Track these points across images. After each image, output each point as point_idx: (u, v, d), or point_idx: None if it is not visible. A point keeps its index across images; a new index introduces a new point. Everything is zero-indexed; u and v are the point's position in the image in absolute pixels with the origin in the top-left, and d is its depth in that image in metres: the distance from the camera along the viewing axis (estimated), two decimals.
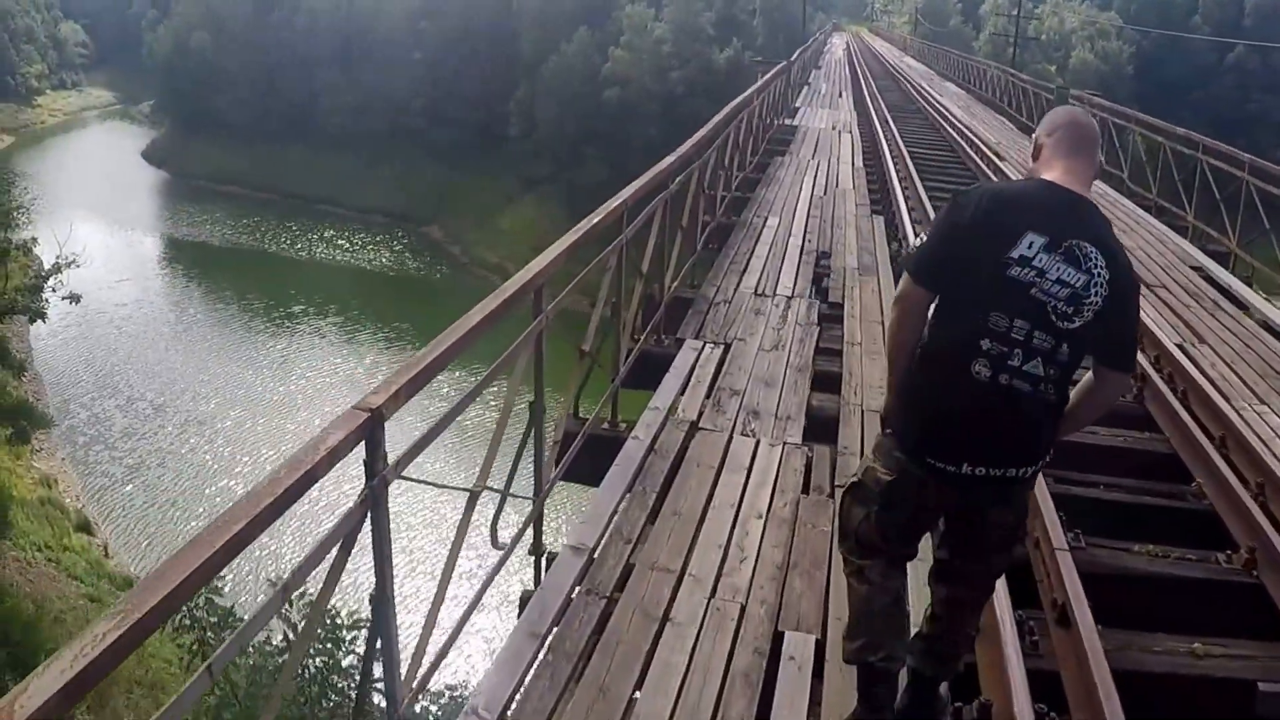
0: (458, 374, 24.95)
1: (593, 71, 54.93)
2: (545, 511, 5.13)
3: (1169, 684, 4.51)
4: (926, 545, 4.79)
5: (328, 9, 67.20)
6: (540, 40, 57.58)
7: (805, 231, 12.22)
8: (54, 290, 27.28)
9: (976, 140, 20.89)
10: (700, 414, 6.64)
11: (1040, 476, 4.39)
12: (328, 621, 10.11)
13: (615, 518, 5.20)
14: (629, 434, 6.19)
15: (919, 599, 4.48)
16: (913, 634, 3.95)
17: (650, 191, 7.44)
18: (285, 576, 2.65)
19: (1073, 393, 3.40)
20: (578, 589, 4.56)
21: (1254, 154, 13.65)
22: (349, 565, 3.00)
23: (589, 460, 5.85)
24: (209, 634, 10.74)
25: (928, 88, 35.29)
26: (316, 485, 2.63)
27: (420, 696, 3.98)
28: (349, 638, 10.86)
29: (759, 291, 9.64)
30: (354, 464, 2.96)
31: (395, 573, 3.16)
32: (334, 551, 2.78)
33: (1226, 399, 7.28)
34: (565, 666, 4.00)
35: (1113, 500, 6.04)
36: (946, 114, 26.22)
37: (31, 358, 35.49)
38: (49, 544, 22.99)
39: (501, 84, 59.03)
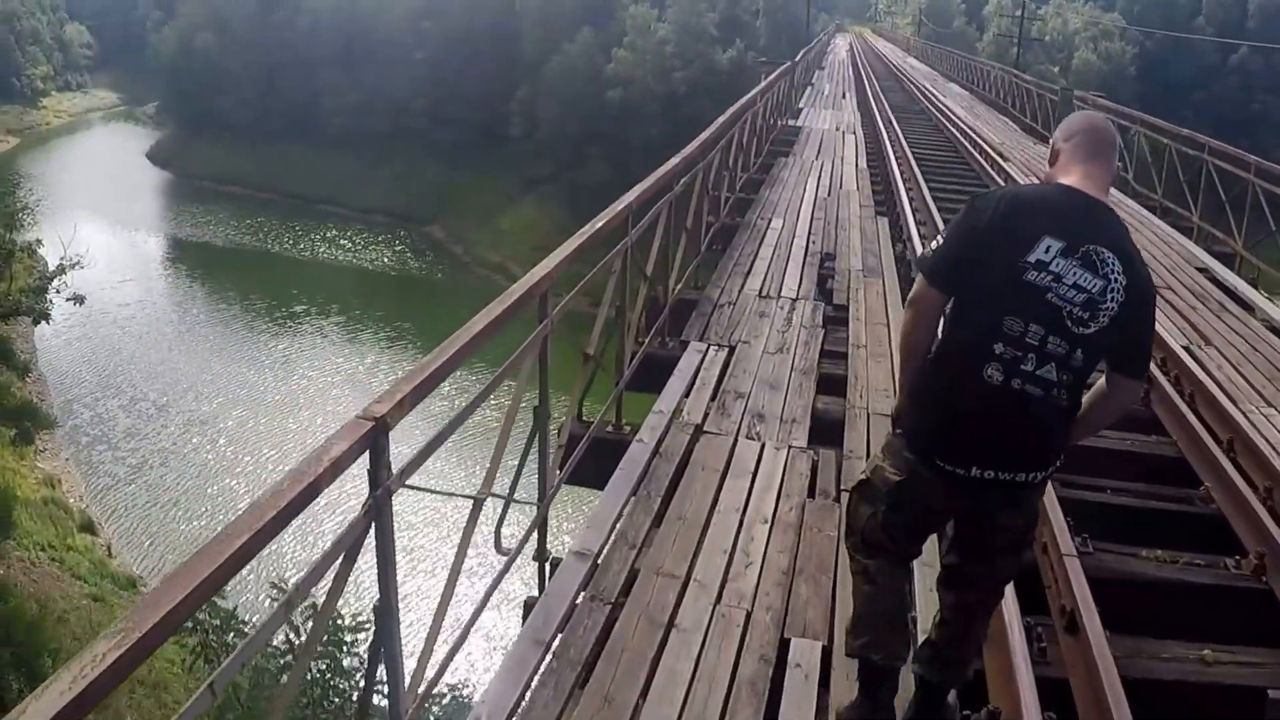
0: (460, 374, 24.88)
1: (595, 72, 54.91)
2: (549, 515, 5.10)
3: (1178, 691, 4.47)
4: (936, 551, 4.80)
5: (330, 9, 67.23)
6: (543, 40, 57.57)
7: (809, 233, 12.18)
8: (58, 291, 27.29)
9: (980, 141, 20.84)
10: (705, 417, 6.60)
11: None
12: (330, 624, 10.08)
13: (620, 522, 5.16)
14: (633, 437, 6.16)
15: (927, 605, 4.46)
16: (921, 641, 3.94)
17: (655, 194, 7.42)
18: (288, 591, 2.61)
19: (1085, 398, 3.38)
20: (582, 595, 4.52)
21: (1257, 155, 13.61)
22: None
23: (593, 463, 5.82)
24: (211, 637, 10.73)
25: (931, 88, 35.25)
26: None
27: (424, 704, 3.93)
28: (351, 639, 10.85)
29: (763, 293, 9.60)
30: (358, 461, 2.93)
31: (396, 571, 3.13)
32: (337, 563, 2.74)
33: (1233, 401, 7.23)
34: (570, 675, 3.96)
35: (1120, 504, 6.00)
36: (950, 115, 26.17)
37: (36, 358, 35.54)
38: (52, 544, 23.02)
39: (504, 84, 58.97)
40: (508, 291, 4.36)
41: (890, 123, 23.11)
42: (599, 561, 4.80)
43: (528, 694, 3.89)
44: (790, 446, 6.24)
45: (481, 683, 16.72)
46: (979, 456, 3.24)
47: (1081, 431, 3.44)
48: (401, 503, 3.38)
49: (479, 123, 60.17)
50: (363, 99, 63.65)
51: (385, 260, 54.13)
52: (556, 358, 4.87)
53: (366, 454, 2.80)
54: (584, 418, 6.20)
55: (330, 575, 2.79)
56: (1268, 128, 53.13)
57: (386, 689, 3.35)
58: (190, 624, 10.84)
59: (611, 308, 6.30)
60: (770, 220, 12.74)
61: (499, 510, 4.60)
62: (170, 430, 31.79)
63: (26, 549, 22.04)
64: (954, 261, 3.30)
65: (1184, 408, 7.04)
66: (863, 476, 3.63)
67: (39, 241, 30.77)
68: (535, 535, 4.91)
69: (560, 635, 4.24)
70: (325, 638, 9.77)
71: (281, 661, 10.19)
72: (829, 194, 14.90)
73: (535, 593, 4.83)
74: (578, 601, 4.48)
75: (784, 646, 4.28)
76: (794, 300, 9.46)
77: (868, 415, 6.79)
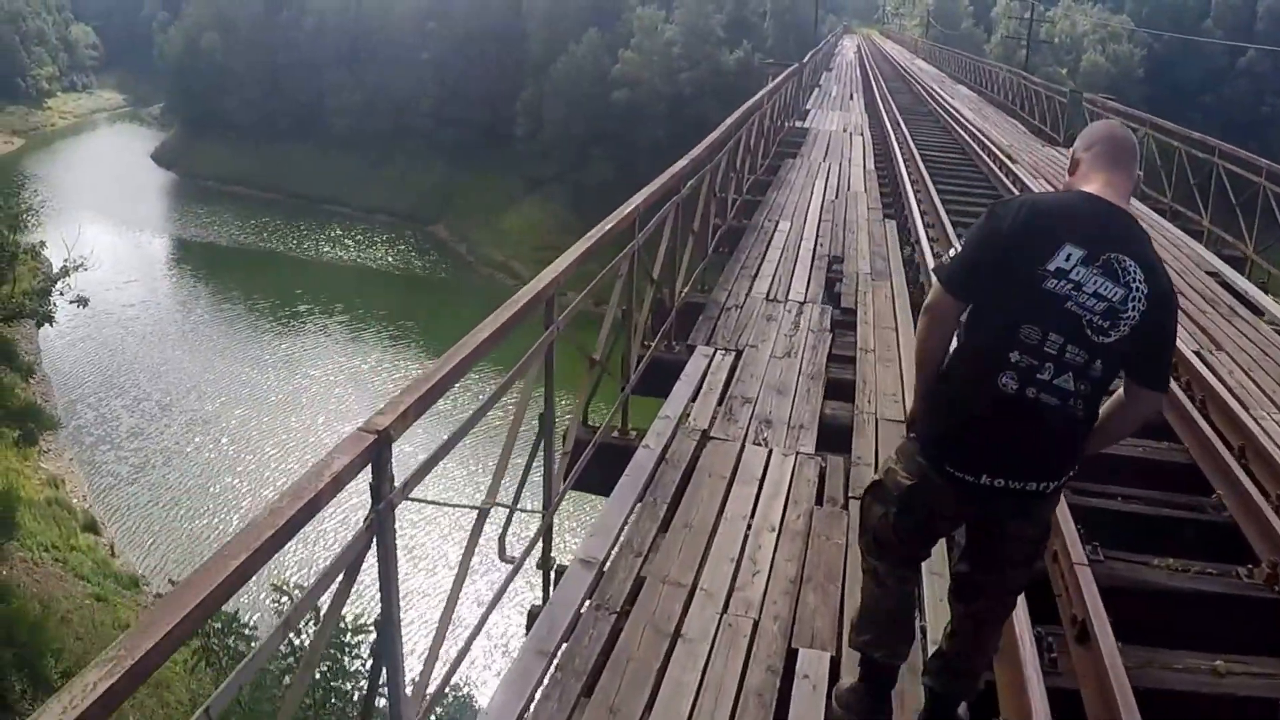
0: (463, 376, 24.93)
1: (602, 73, 54.90)
2: (553, 521, 5.04)
3: (1190, 702, 4.43)
4: (946, 561, 4.74)
5: (335, 9, 67.31)
6: (549, 41, 57.60)
7: (817, 236, 12.12)
8: (61, 294, 27.27)
9: (988, 143, 20.77)
10: (712, 422, 6.55)
11: None
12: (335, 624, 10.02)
13: (625, 529, 5.11)
14: (639, 443, 6.10)
15: (937, 616, 4.41)
16: (931, 652, 3.93)
17: (662, 196, 7.36)
18: (286, 612, 2.55)
19: (1103, 409, 3.32)
20: (587, 604, 4.47)
21: (1266, 158, 13.55)
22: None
23: (599, 470, 5.75)
24: (213, 640, 10.69)
25: (939, 90, 35.17)
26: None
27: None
28: (355, 641, 10.80)
29: (771, 297, 9.54)
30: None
31: (398, 584, 3.07)
32: (337, 581, 2.68)
33: (1245, 407, 7.17)
34: (574, 685, 3.91)
35: (1131, 512, 5.94)
36: (958, 116, 26.10)
37: (40, 359, 35.58)
38: (56, 544, 23.03)
39: (509, 84, 59.02)
40: (514, 298, 4.29)
41: (898, 124, 23.05)
42: (604, 569, 4.74)
43: (532, 705, 3.84)
44: (798, 453, 6.18)
45: (481, 680, 16.74)
46: (990, 464, 3.22)
47: (1099, 442, 3.40)
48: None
49: (483, 123, 60.20)
50: (367, 99, 63.73)
51: (389, 260, 54.16)
52: (561, 359, 4.81)
53: (368, 468, 2.74)
54: (589, 423, 6.14)
55: (332, 586, 2.74)
56: (1277, 130, 53.06)
57: (389, 706, 3.29)
58: None
59: (618, 311, 6.24)
60: (777, 223, 12.68)
61: (503, 517, 4.55)
62: (173, 430, 31.83)
63: (30, 549, 22.05)
64: (971, 268, 3.27)
65: (1195, 414, 6.97)
66: (876, 478, 3.65)
67: (43, 243, 30.79)
68: (540, 543, 4.84)
69: (565, 645, 4.19)
70: (327, 645, 9.69)
71: (284, 664, 10.14)
72: (836, 196, 14.83)
73: (540, 598, 4.78)
74: (582, 610, 4.43)
75: (791, 657, 4.23)
76: (801, 304, 9.40)
77: (876, 421, 6.74)
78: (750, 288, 9.81)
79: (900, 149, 18.80)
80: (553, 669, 4.03)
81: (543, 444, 4.74)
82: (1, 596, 19.11)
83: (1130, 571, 5.22)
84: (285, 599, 10.14)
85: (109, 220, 53.52)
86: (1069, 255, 3.08)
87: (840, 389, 7.37)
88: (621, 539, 5.01)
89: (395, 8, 65.95)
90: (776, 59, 38.04)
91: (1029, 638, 4.20)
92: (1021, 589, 3.73)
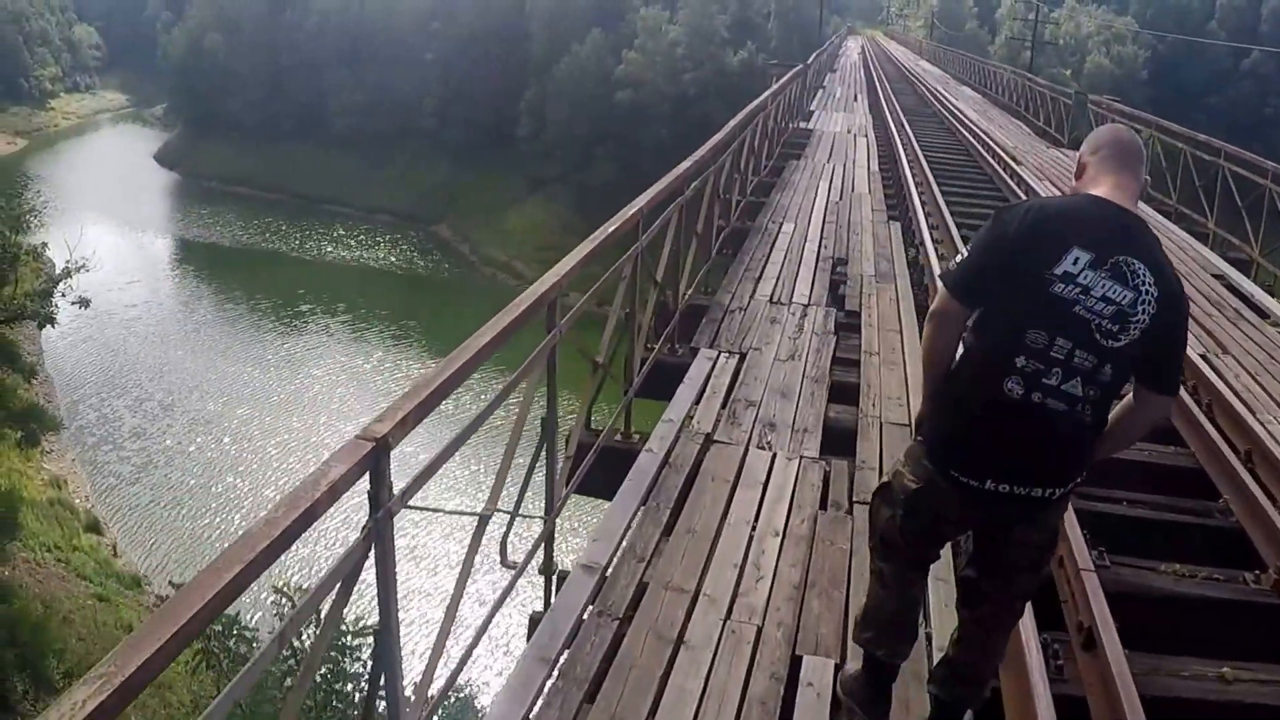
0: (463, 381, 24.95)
1: (605, 73, 54.89)
2: (556, 524, 5.00)
3: (1198, 710, 4.40)
4: (951, 567, 4.70)
5: (339, 10, 67.37)
6: (552, 42, 57.59)
7: (821, 237, 12.08)
8: (63, 295, 27.25)
9: (993, 144, 20.72)
10: (715, 425, 6.50)
11: None
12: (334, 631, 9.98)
13: (628, 534, 5.07)
14: (642, 446, 6.06)
15: (943, 622, 4.37)
16: (938, 660, 3.91)
17: (666, 197, 7.32)
18: (281, 626, 2.50)
19: (1112, 413, 3.29)
20: (589, 609, 4.43)
21: (1270, 159, 13.52)
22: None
23: (602, 473, 5.71)
24: (214, 643, 10.66)
25: (943, 91, 35.14)
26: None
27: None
28: (356, 644, 10.75)
29: (775, 299, 9.50)
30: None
31: (397, 593, 3.03)
32: (333, 593, 2.63)
33: (1251, 411, 7.13)
34: (576, 693, 3.87)
35: (1137, 517, 5.90)
36: (962, 118, 26.08)
37: (42, 360, 35.58)
38: (58, 544, 23.04)
39: (512, 85, 59.01)
40: (515, 301, 4.24)
41: (902, 125, 22.99)
42: (607, 575, 4.70)
43: (533, 713, 3.80)
44: (802, 456, 6.14)
45: (483, 681, 16.69)
46: (994, 469, 3.20)
47: (1108, 448, 3.37)
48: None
49: (486, 123, 60.22)
50: (370, 99, 63.77)
51: (391, 260, 54.17)
52: (563, 360, 4.78)
53: (366, 476, 2.70)
54: (592, 426, 6.10)
55: (333, 592, 2.70)
56: None
57: (387, 706, 3.25)
58: None
59: (621, 313, 6.20)
60: (781, 224, 12.63)
61: (504, 522, 4.51)
62: (176, 430, 31.87)
63: (32, 550, 22.06)
64: (977, 273, 3.24)
65: (1201, 417, 6.93)
66: (885, 480, 3.65)
67: (45, 245, 30.78)
68: (542, 548, 4.80)
69: (567, 651, 4.15)
70: (327, 648, 9.64)
71: (285, 667, 10.10)
72: (841, 198, 14.79)
73: (541, 599, 4.74)
74: (584, 617, 4.38)
75: (795, 664, 4.19)
76: (805, 306, 9.36)
77: (880, 424, 6.70)
78: (754, 290, 9.76)
79: (904, 150, 18.76)
80: (554, 676, 3.99)
81: (545, 448, 4.70)
82: (4, 597, 19.11)
83: (1137, 577, 5.18)
84: (286, 601, 10.12)
85: (112, 221, 53.59)
86: (1076, 259, 3.05)
87: (844, 392, 7.33)
88: (624, 544, 4.97)
89: (398, 8, 66.00)
90: (781, 60, 38.05)
91: (1035, 644, 4.16)
92: (1029, 596, 3.69)
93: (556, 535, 4.97)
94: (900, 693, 3.91)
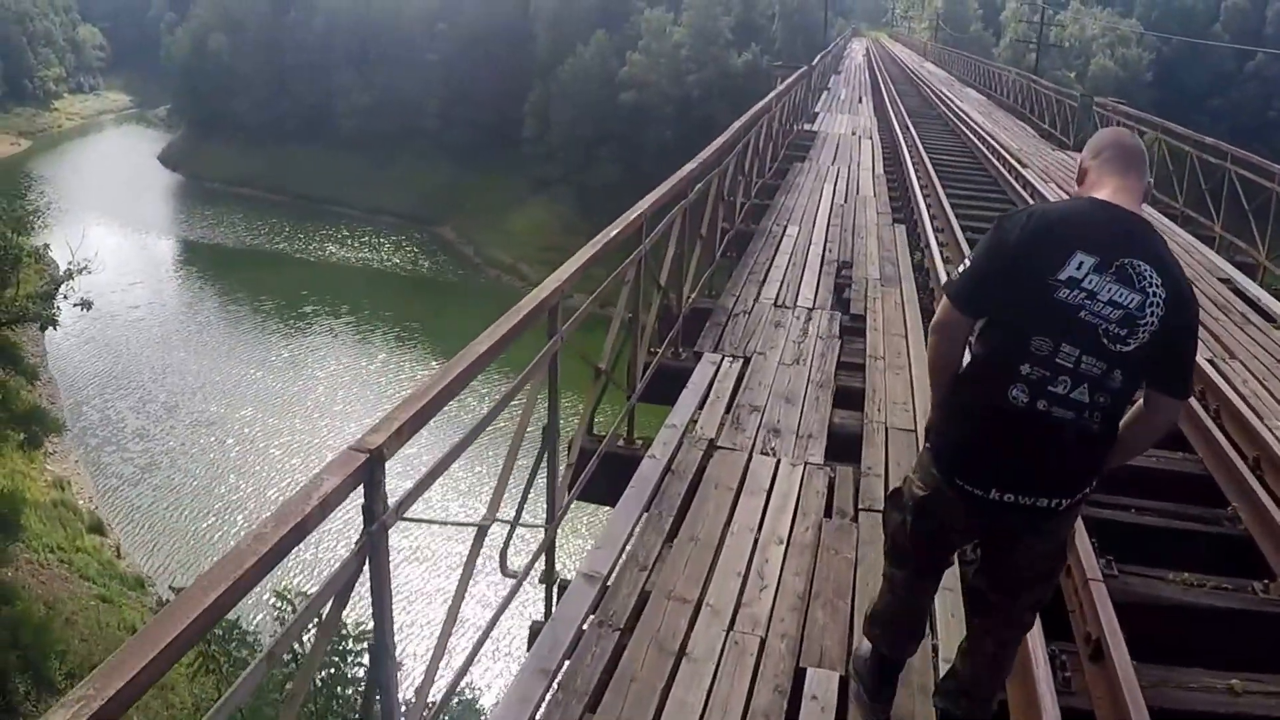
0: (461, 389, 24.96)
1: (609, 75, 54.92)
2: (556, 534, 4.94)
3: None
4: (958, 577, 4.63)
5: (344, 10, 67.37)
6: (556, 43, 57.62)
7: (826, 240, 12.00)
8: (65, 296, 27.25)
9: (998, 147, 20.65)
10: (719, 431, 6.43)
11: None
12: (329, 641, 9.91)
13: (630, 543, 5.00)
14: (645, 453, 5.99)
15: (948, 633, 4.31)
16: (944, 672, 3.89)
17: (670, 200, 7.25)
18: (270, 644, 2.44)
19: (1123, 420, 3.22)
20: (590, 620, 4.36)
21: (1274, 161, 13.42)
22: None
23: (604, 480, 5.64)
24: (214, 647, 10.60)
25: (948, 93, 35.08)
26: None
27: None
28: (356, 649, 10.68)
29: (779, 303, 9.42)
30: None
31: (392, 607, 2.98)
32: (329, 605, 2.57)
33: (1260, 417, 7.04)
34: (576, 706, 3.80)
35: (1145, 524, 5.83)
36: (967, 120, 26.00)
37: (46, 361, 35.60)
38: (61, 545, 23.07)
39: (516, 86, 59.03)
40: (516, 307, 4.18)
41: (907, 127, 22.92)
42: (608, 584, 4.63)
43: None
44: (806, 463, 6.06)
45: (484, 682, 16.65)
46: (999, 479, 3.17)
47: (1121, 456, 3.31)
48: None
49: (490, 124, 60.28)
50: (374, 100, 63.85)
51: (395, 261, 54.22)
52: (565, 364, 4.71)
53: (360, 488, 2.63)
54: (594, 432, 6.03)
55: (327, 605, 2.64)
56: None
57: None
58: None
59: (624, 317, 6.13)
60: (786, 227, 12.56)
61: (504, 530, 4.44)
62: (179, 431, 31.91)
63: (36, 551, 22.08)
64: (979, 282, 3.20)
65: (1210, 424, 6.86)
66: (897, 485, 3.66)
67: (47, 246, 30.77)
68: (542, 557, 4.73)
69: (567, 663, 4.08)
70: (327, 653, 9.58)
71: (286, 670, 10.04)
72: (845, 200, 14.72)
73: (542, 607, 4.68)
74: (585, 627, 4.32)
75: (799, 676, 4.12)
76: (810, 310, 9.28)
77: (886, 430, 6.62)
78: (758, 293, 9.69)
79: (909, 153, 18.68)
80: (554, 688, 3.93)
81: (546, 454, 4.64)
82: (7, 598, 19.12)
83: (1145, 587, 5.12)
84: (286, 605, 10.06)
85: (115, 222, 53.69)
86: (1080, 263, 2.99)
87: (849, 397, 7.23)
88: (626, 552, 4.90)
89: (404, 9, 66.03)
90: (785, 61, 37.95)
91: (1042, 655, 4.11)
92: (1038, 606, 3.62)
93: (559, 541, 4.90)
94: (906, 706, 3.86)
